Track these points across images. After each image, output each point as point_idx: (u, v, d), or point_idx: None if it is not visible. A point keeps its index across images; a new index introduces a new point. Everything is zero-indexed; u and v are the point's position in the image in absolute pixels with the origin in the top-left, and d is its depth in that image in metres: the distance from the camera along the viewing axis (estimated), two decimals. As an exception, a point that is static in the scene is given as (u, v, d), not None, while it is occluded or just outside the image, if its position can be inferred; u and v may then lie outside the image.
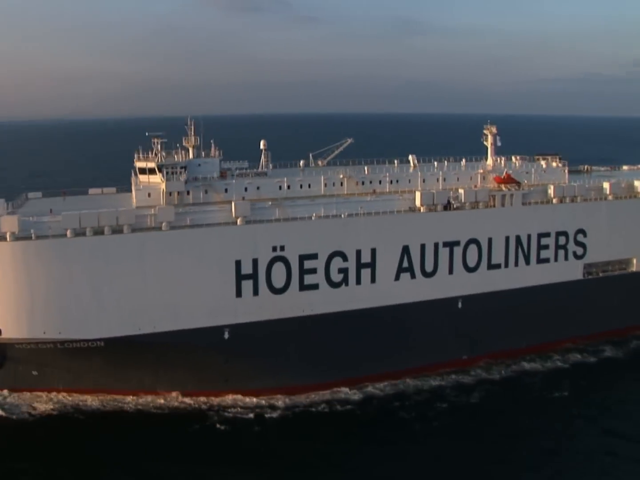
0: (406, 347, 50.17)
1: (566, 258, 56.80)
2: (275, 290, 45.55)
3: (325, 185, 50.38)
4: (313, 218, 46.69)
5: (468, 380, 50.31)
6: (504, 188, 53.99)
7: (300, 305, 46.29)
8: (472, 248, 52.09)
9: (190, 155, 48.57)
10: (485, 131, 60.66)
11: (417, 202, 50.18)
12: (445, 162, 59.78)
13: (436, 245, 50.54)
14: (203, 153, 49.47)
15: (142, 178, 45.98)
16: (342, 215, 47.65)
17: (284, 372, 46.80)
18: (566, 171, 61.07)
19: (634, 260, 60.47)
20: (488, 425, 43.96)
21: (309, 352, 47.17)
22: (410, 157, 58.38)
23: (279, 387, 46.39)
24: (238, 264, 44.13)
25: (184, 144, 48.85)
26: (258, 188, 48.13)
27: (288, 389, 46.51)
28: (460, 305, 51.96)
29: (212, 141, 50.27)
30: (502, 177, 54.88)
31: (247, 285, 44.59)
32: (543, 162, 61.79)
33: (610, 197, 59.03)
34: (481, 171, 56.04)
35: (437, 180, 54.49)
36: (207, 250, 43.33)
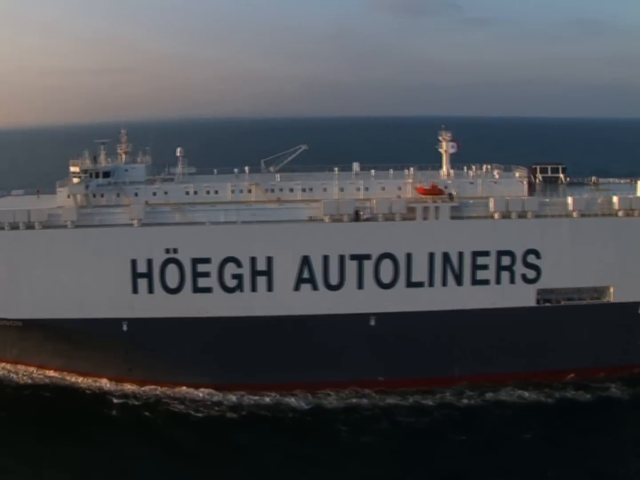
0: (312, 360, 49.92)
1: (512, 281, 51.32)
2: (170, 290, 48.87)
3: (233, 192, 52.19)
4: (207, 224, 49.05)
5: (375, 403, 47.94)
6: (429, 200, 50.62)
7: (195, 307, 48.99)
8: (387, 263, 49.91)
9: (123, 161, 53.96)
10: (439, 137, 56.97)
11: (320, 212, 49.62)
12: (407, 170, 57.16)
13: (342, 257, 49.50)
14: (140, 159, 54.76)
15: (74, 180, 52.31)
16: (237, 222, 49.25)
17: (181, 369, 49.95)
18: (525, 183, 54.72)
19: (611, 289, 52.38)
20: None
21: (204, 354, 49.65)
22: (353, 165, 57.31)
23: (176, 382, 49.69)
24: (134, 262, 48.30)
25: (118, 150, 54.61)
26: (166, 193, 51.77)
27: (186, 384, 49.58)
28: (373, 322, 50.19)
29: (148, 148, 55.27)
30: (427, 188, 51.44)
31: (142, 283, 48.59)
32: (496, 173, 56.01)
33: (575, 215, 51.83)
34: (410, 181, 52.99)
35: (358, 189, 52.90)
36: (106, 248, 48.22)
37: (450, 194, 51.41)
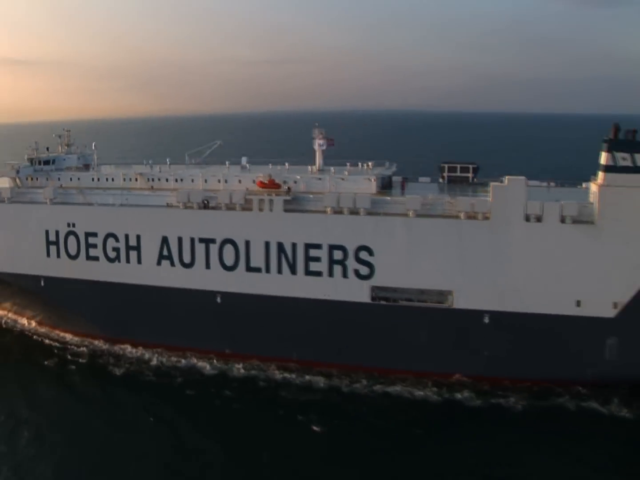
0: (169, 326, 58.45)
1: (345, 276, 52.81)
2: (71, 257, 61.13)
3: (124, 180, 61.84)
4: (95, 205, 59.90)
5: (221, 368, 54.52)
6: (265, 193, 54.18)
7: (88, 272, 60.71)
8: (229, 248, 55.46)
9: (61, 152, 67.82)
10: (313, 134, 58.88)
11: (174, 200, 56.82)
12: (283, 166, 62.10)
13: (192, 240, 56.44)
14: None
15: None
16: (116, 205, 59.13)
17: (85, 322, 62.45)
18: (373, 181, 54.17)
19: (453, 294, 50.53)
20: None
21: (94, 310, 61.40)
22: (242, 159, 62.76)
23: (83, 333, 62.47)
24: (47, 232, 61.51)
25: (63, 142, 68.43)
26: (78, 179, 63.64)
27: (90, 335, 62.07)
28: (219, 300, 56.59)
29: (94, 145, 68.14)
30: (266, 181, 54.70)
31: (53, 249, 61.63)
32: (346, 171, 55.92)
33: (410, 214, 50.60)
34: (261, 175, 56.52)
35: (219, 181, 58.34)
36: (29, 220, 62.14)
37: (288, 188, 54.24)
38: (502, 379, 49.95)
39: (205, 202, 55.84)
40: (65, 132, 69.30)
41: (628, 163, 46.82)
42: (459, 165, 60.77)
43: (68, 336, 62.19)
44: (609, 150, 47.24)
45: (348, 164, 60.31)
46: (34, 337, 63.04)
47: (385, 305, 52.06)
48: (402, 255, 51.09)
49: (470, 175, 60.03)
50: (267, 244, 54.27)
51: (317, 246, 52.95)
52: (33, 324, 65.28)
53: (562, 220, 47.64)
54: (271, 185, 54.28)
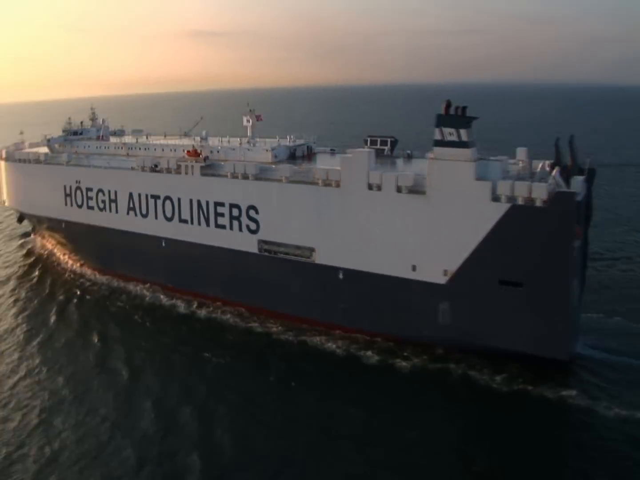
0: (134, 262, 73.84)
1: (240, 229, 62.92)
2: (78, 206, 78.81)
3: (115, 148, 77.97)
4: (91, 167, 77.05)
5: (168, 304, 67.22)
6: (188, 160, 65.88)
7: (87, 218, 78.30)
8: (168, 203, 68.71)
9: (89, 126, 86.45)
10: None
11: (135, 164, 71.22)
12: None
13: (146, 196, 70.74)
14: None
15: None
16: (102, 167, 75.59)
17: (85, 257, 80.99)
18: (270, 152, 62.88)
19: (315, 251, 58.10)
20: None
21: (92, 249, 79.33)
22: (203, 132, 75.30)
23: (85, 265, 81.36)
24: (64, 187, 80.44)
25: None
26: (89, 147, 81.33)
27: (91, 268, 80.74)
28: (163, 244, 70.56)
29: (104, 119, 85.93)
30: (190, 151, 66.15)
31: (68, 199, 79.83)
32: (250, 142, 64.74)
33: (283, 180, 58.68)
34: (193, 144, 68.14)
35: (171, 150, 71.38)
36: (55, 176, 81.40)
37: (206, 157, 65.35)
38: (355, 330, 56.28)
39: (154, 166, 69.40)
40: (91, 110, 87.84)
41: (454, 138, 49.47)
42: (379, 139, 65.81)
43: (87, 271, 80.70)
44: (438, 126, 50.25)
45: (278, 137, 69.53)
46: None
47: (267, 257, 61.08)
48: (277, 215, 59.61)
49: (387, 147, 64.83)
50: (190, 201, 66.34)
51: (222, 204, 63.63)
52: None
53: (399, 190, 52.04)
54: (193, 154, 65.99)
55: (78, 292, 71.75)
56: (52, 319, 64.06)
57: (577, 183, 47.31)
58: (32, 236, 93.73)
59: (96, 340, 58.66)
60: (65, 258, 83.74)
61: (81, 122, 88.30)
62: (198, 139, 75.89)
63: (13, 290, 73.34)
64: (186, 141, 75.58)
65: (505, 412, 43.87)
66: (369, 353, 52.80)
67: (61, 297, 70.50)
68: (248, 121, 69.25)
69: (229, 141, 73.69)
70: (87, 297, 70.48)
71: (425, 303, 52.11)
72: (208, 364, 52.54)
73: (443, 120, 50.15)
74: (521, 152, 55.99)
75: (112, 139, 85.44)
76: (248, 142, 69.79)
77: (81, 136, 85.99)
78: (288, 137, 69.87)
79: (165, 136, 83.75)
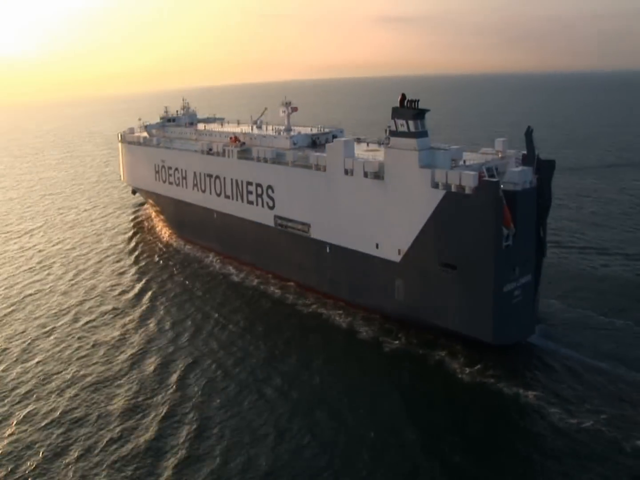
0: (199, 230, 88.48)
1: (262, 205, 73.49)
2: (163, 181, 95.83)
3: (189, 133, 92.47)
4: (171, 149, 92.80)
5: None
6: (231, 145, 77.43)
7: (169, 191, 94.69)
8: (217, 181, 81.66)
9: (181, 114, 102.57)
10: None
11: (197, 147, 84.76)
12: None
13: (204, 174, 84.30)
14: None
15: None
16: (177, 150, 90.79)
17: (171, 226, 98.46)
18: (289, 139, 71.89)
19: (310, 227, 66.60)
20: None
21: (174, 219, 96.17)
22: (258, 120, 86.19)
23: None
24: (155, 165, 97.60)
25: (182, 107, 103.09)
26: (173, 132, 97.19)
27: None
28: (215, 216, 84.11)
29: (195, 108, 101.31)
30: (232, 137, 77.46)
31: (157, 176, 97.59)
32: (275, 131, 74.01)
33: (289, 164, 67.43)
34: (239, 130, 79.50)
35: (225, 137, 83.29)
36: (150, 157, 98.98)
37: (242, 143, 76.32)
38: (340, 299, 63.95)
39: (209, 150, 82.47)
40: (183, 101, 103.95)
41: (404, 129, 53.83)
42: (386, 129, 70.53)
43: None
44: (392, 117, 54.84)
45: (311, 127, 78.02)
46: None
47: (280, 230, 70.86)
48: (286, 194, 68.85)
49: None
50: (231, 180, 78.40)
51: (250, 183, 74.58)
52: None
53: (365, 175, 58.00)
54: (234, 140, 77.55)
55: (160, 253, 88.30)
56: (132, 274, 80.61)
57: (515, 173, 49.15)
58: (145, 206, 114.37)
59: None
60: (159, 224, 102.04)
61: (177, 111, 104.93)
62: (253, 127, 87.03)
63: (109, 248, 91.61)
64: (244, 128, 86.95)
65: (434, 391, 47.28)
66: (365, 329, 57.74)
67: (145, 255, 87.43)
68: (284, 112, 78.45)
69: (271, 130, 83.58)
70: (170, 262, 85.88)
71: (386, 279, 57.78)
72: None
73: (396, 113, 54.78)
74: (498, 143, 58.00)
75: (200, 126, 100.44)
76: (284, 131, 78.85)
77: (173, 123, 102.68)
78: (319, 127, 77.76)
79: (238, 124, 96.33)
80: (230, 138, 79.12)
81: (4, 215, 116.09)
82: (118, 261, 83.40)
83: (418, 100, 54.30)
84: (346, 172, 60.10)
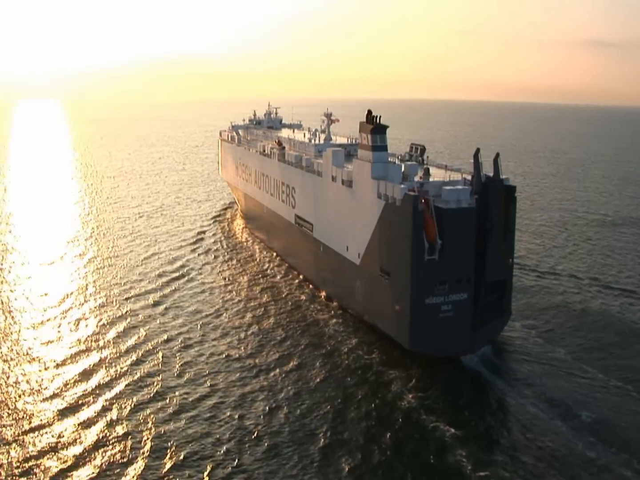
0: (256, 223, 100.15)
1: (288, 204, 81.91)
2: (241, 178, 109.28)
3: (261, 136, 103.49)
4: (245, 149, 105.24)
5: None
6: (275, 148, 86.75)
7: (244, 187, 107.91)
8: (266, 179, 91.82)
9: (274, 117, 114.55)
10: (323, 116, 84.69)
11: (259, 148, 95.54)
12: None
13: (259, 172, 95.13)
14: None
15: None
16: (249, 150, 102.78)
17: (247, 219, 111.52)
18: (312, 146, 78.19)
19: (313, 226, 73.48)
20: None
21: (244, 208, 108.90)
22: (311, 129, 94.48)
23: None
24: (236, 161, 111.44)
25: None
26: (253, 134, 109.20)
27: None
28: (264, 210, 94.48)
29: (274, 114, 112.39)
30: (277, 141, 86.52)
31: (238, 171, 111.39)
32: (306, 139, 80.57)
33: (303, 169, 74.76)
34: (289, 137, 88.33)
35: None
36: (233, 154, 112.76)
37: (282, 147, 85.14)
38: (328, 296, 69.90)
39: (263, 151, 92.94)
40: (273, 108, 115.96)
41: (365, 142, 58.05)
42: (413, 146, 73.91)
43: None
44: (359, 132, 59.32)
45: (347, 138, 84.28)
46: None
47: (298, 227, 78.61)
48: (301, 195, 76.36)
49: (416, 154, 72.48)
50: (273, 179, 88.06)
51: (283, 184, 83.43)
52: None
53: (342, 182, 63.32)
54: (278, 144, 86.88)
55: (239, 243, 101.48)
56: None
57: (446, 191, 51.13)
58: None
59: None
60: (237, 215, 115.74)
61: (264, 114, 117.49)
62: (306, 134, 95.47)
63: (198, 236, 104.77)
64: (299, 135, 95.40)
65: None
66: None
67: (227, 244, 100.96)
68: (323, 121, 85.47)
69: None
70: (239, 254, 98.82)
71: (351, 280, 62.54)
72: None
73: (361, 127, 59.37)
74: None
75: (283, 131, 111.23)
76: (324, 140, 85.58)
77: (258, 125, 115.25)
78: (354, 139, 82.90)
79: (309, 131, 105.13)
80: (275, 142, 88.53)
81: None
82: (183, 241, 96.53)
83: (380, 116, 58.18)
84: (332, 178, 65.81)
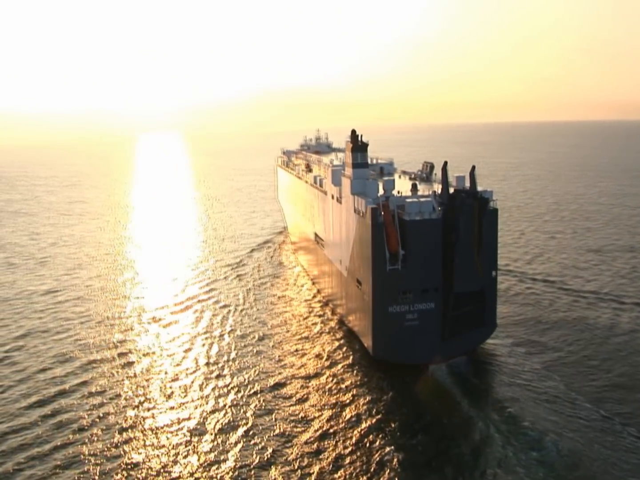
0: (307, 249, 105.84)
1: (309, 221, 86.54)
2: (286, 197, 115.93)
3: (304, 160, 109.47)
4: (293, 167, 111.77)
5: None
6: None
7: (285, 204, 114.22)
8: (298, 198, 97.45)
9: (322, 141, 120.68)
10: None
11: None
12: None
13: (294, 191, 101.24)
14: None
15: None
16: (289, 173, 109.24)
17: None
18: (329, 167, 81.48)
19: (324, 241, 77.26)
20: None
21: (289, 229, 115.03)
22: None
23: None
24: (283, 184, 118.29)
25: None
26: (301, 156, 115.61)
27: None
28: (299, 231, 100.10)
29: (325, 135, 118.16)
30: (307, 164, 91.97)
31: (286, 190, 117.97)
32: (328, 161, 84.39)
33: (316, 189, 79.21)
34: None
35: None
36: (284, 175, 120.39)
37: (310, 169, 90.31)
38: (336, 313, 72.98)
39: (297, 174, 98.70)
40: (317, 131, 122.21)
41: (349, 160, 61.58)
42: (422, 163, 76.61)
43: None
44: (345, 150, 63.05)
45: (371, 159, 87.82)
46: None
47: (317, 245, 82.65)
48: (316, 214, 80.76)
49: (425, 170, 75.47)
50: (301, 200, 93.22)
51: (307, 203, 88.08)
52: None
53: (332, 197, 67.04)
54: (306, 167, 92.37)
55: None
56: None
57: (409, 203, 53.00)
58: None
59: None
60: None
61: (313, 139, 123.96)
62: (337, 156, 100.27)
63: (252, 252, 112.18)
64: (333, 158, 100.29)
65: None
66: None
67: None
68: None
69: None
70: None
71: (343, 290, 65.55)
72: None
73: (346, 146, 63.12)
74: (461, 179, 60.13)
75: (332, 155, 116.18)
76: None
77: (306, 149, 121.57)
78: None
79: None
80: (305, 164, 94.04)
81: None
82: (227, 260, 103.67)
83: (362, 136, 61.52)
84: (332, 196, 69.69)
